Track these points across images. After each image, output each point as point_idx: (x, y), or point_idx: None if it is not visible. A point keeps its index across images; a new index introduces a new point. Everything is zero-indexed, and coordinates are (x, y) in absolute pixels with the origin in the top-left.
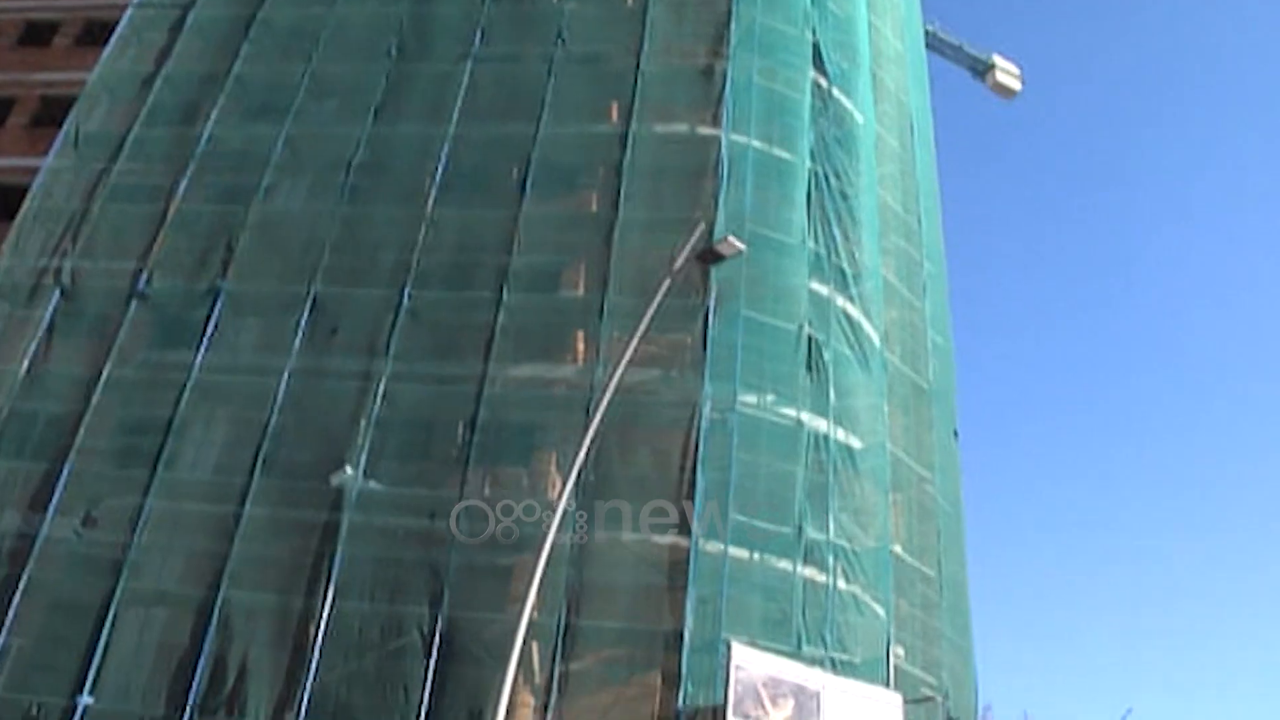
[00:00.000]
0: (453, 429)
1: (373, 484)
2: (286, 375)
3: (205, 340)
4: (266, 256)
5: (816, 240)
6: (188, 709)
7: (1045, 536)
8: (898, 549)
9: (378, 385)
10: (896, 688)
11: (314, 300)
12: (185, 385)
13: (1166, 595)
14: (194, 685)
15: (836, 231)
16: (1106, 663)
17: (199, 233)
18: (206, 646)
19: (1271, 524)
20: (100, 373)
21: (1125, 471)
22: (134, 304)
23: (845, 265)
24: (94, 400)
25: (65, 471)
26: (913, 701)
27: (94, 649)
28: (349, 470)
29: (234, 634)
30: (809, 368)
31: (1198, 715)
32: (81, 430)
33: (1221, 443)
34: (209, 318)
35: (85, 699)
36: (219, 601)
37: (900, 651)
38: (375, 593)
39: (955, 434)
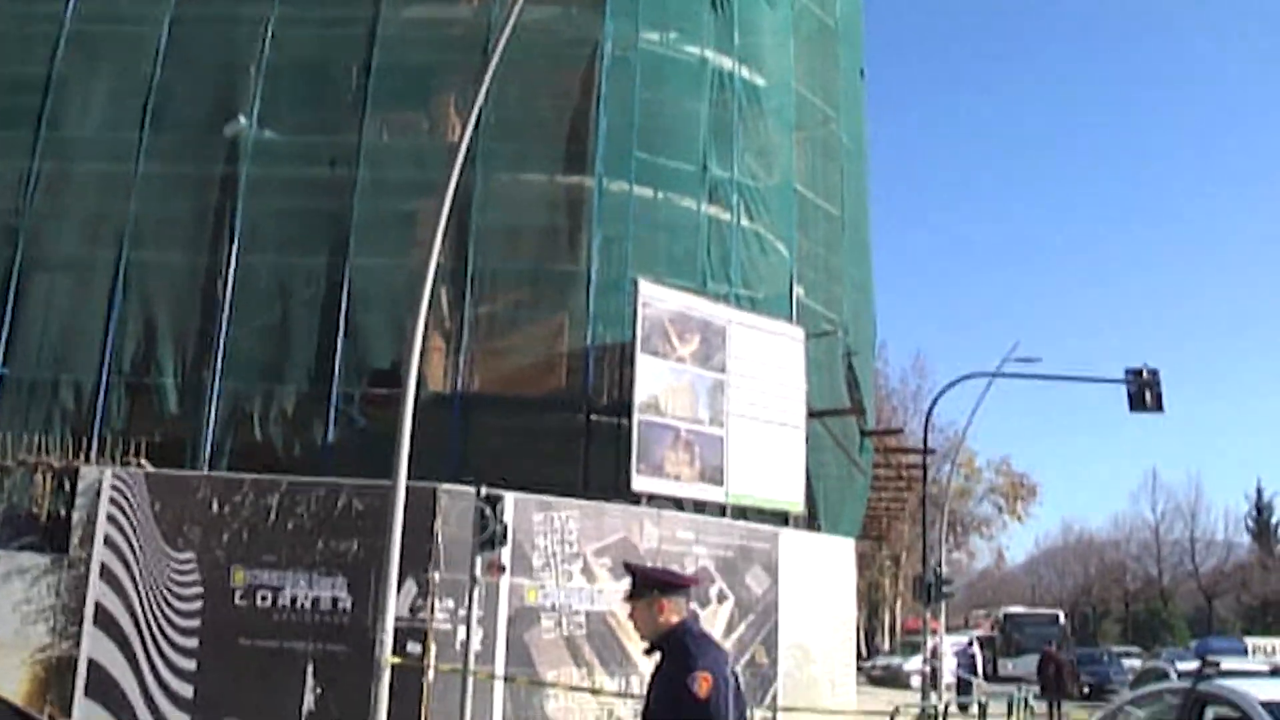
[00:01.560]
0: (347, 73)
1: (268, 133)
2: (167, 23)
3: None
4: None
5: None
6: (104, 372)
7: (944, 181)
8: (801, 187)
9: (265, 30)
10: (799, 322)
11: None
12: (59, 38)
13: (1053, 241)
14: (107, 349)
15: None
16: (994, 306)
17: None
18: (115, 309)
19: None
20: None
21: (1029, 112)
22: None
23: None
24: None
25: None
26: (814, 335)
27: (2, 319)
28: (242, 120)
29: (142, 295)
30: (713, 4)
31: (1075, 349)
32: None
33: (1120, 77)
34: None
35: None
36: (123, 263)
37: (801, 290)
38: (280, 245)
39: (861, 73)
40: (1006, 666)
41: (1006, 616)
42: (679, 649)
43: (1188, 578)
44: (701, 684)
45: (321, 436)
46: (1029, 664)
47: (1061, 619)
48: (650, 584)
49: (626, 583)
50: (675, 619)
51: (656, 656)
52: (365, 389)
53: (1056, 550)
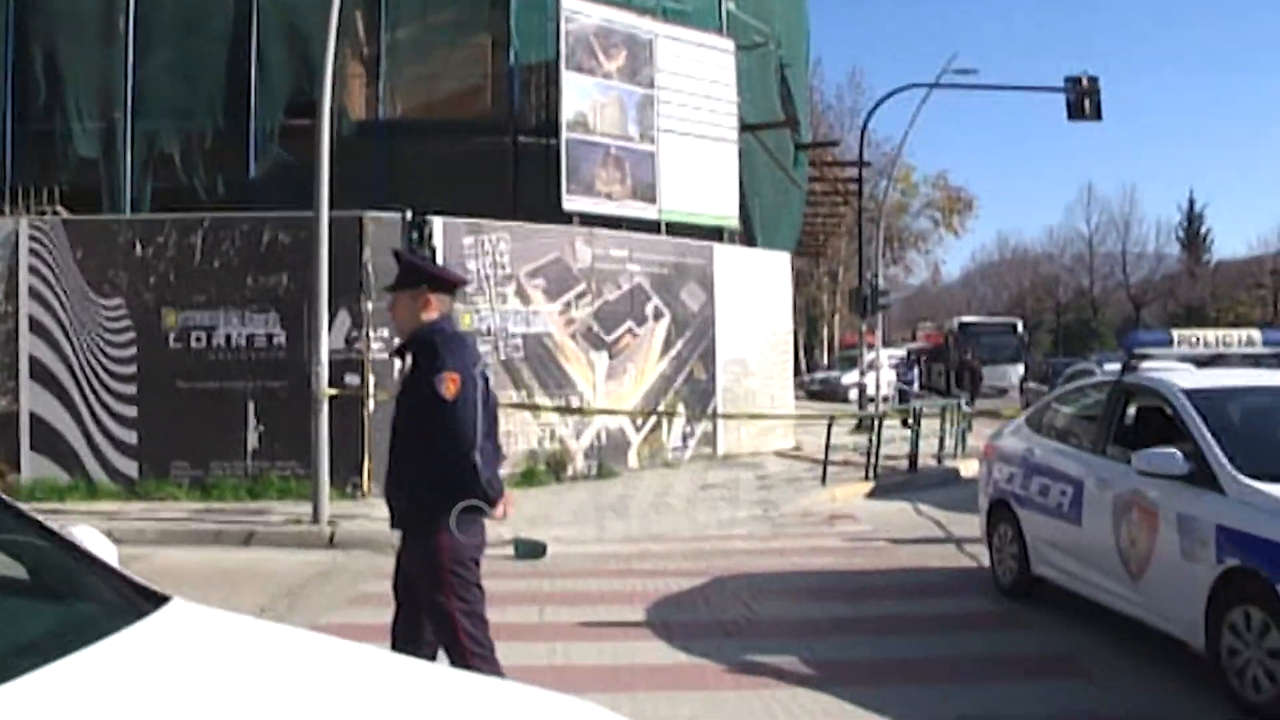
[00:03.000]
0: None
1: None
2: None
3: None
4: None
5: None
6: (7, 120)
7: None
8: None
9: None
10: (729, 34)
11: None
12: None
13: None
14: (8, 96)
15: None
16: (932, 21)
17: None
18: (10, 53)
19: None
20: None
21: None
22: None
23: None
24: None
25: None
26: (745, 48)
27: None
28: None
29: (38, 36)
30: None
31: (1013, 64)
32: None
33: None
34: None
35: None
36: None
37: (731, 1)
38: None
39: None
40: (963, 379)
41: (961, 326)
42: (429, 349)
43: (1118, 288)
44: (449, 384)
45: (243, 173)
46: (985, 376)
47: (1020, 328)
48: (420, 277)
49: (395, 272)
50: (435, 315)
51: (408, 360)
52: (284, 121)
53: (992, 264)
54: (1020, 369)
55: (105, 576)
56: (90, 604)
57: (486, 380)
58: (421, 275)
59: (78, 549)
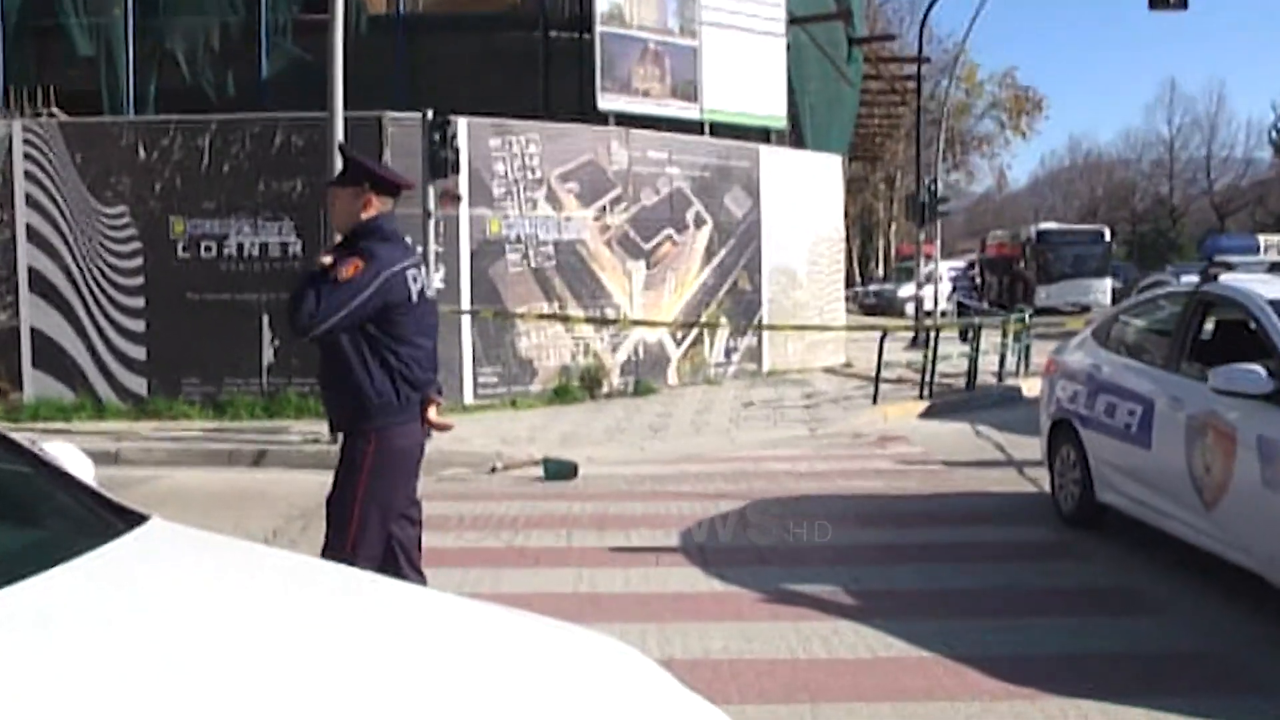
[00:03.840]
0: None
1: None
2: None
3: None
4: None
5: None
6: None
7: None
8: None
9: None
10: None
11: None
12: None
13: None
14: None
15: None
16: None
17: None
18: None
19: None
20: None
21: None
22: None
23: None
24: None
25: None
26: None
27: None
28: None
29: None
30: None
31: None
32: None
33: None
34: None
35: None
36: None
37: None
38: None
39: None
40: (1040, 295)
41: (1040, 235)
42: (355, 244)
43: (1200, 196)
44: (349, 268)
45: (255, 72)
46: (1068, 291)
47: (1106, 235)
48: (363, 175)
49: (339, 166)
50: (373, 214)
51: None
52: (298, 16)
53: (1062, 171)
54: (1107, 283)
55: (78, 495)
56: (59, 524)
57: (415, 279)
58: (365, 174)
59: (51, 467)
